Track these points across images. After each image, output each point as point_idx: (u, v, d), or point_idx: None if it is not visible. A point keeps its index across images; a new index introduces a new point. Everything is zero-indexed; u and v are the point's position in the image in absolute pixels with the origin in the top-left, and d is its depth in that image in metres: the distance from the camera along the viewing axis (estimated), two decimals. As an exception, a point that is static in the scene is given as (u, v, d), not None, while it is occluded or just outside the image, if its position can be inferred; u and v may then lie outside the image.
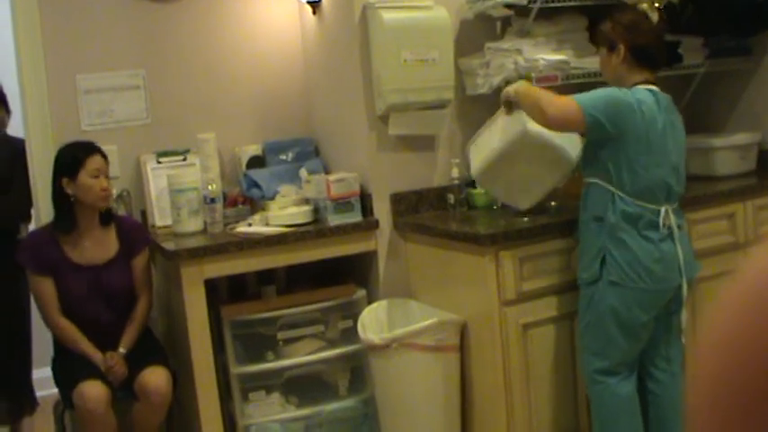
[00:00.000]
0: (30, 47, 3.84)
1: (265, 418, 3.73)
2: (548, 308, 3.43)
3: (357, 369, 3.90)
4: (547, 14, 3.79)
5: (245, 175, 4.07)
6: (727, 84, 4.42)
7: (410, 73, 3.66)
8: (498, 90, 3.75)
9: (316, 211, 3.82)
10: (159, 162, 3.98)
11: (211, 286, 3.64)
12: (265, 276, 3.83)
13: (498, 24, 3.96)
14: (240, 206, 4.01)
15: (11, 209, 4.54)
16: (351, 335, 3.78)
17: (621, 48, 3.16)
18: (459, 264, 3.49)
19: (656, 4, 3.28)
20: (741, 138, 4.23)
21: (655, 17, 3.20)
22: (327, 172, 4.04)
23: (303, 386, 3.83)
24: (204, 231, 3.81)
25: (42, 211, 3.86)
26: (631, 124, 3.05)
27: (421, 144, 3.90)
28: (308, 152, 4.24)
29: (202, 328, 3.53)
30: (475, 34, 3.91)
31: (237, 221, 3.87)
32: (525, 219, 3.49)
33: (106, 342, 3.53)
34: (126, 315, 3.62)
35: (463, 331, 3.51)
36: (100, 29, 3.96)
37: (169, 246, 3.60)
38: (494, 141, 3.44)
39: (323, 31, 4.13)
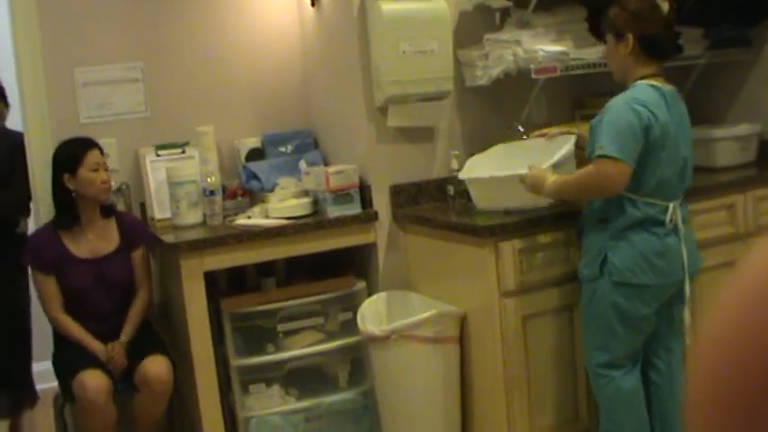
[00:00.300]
0: (28, 40, 3.83)
1: (265, 411, 3.73)
2: (547, 299, 3.42)
3: (357, 361, 3.90)
4: (546, 5, 3.78)
5: (245, 167, 4.07)
6: (728, 75, 4.41)
7: (409, 64, 3.65)
8: (497, 81, 3.75)
9: (315, 203, 3.82)
10: (158, 155, 3.97)
11: (211, 279, 3.64)
12: (265, 268, 3.83)
13: (497, 15, 3.95)
14: (239, 198, 4.01)
15: (10, 202, 4.55)
16: (350, 327, 3.78)
17: (630, 37, 3.06)
18: (459, 255, 3.49)
19: None
20: (741, 129, 4.22)
21: (665, 6, 3.09)
22: (327, 164, 4.04)
23: (303, 378, 3.83)
24: (203, 224, 3.81)
25: (41, 205, 3.86)
26: (650, 136, 2.97)
27: (420, 136, 3.90)
28: (308, 144, 4.24)
29: (202, 320, 3.53)
30: (474, 25, 3.90)
31: (237, 214, 3.87)
32: (525, 210, 3.48)
33: (107, 332, 3.56)
34: (126, 306, 3.66)
35: (463, 323, 3.51)
36: (98, 22, 3.95)
37: (168, 238, 3.61)
38: (516, 200, 3.41)
39: (321, 23, 4.12)
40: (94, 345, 3.52)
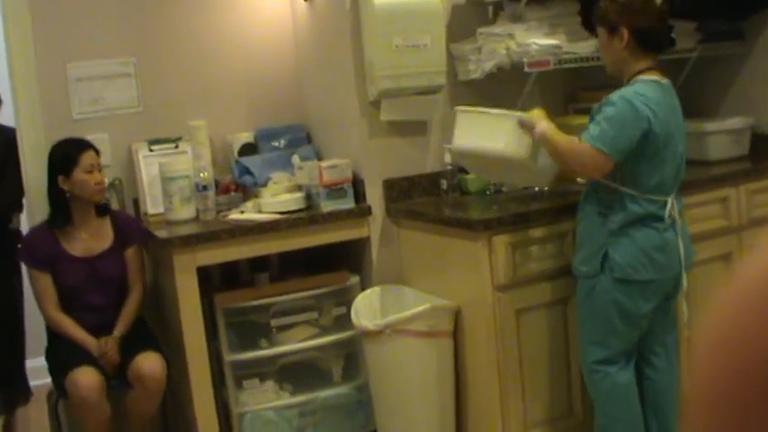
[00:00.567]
0: (19, 35, 3.81)
1: (259, 406, 3.73)
2: (541, 293, 3.43)
3: (351, 356, 3.90)
4: (539, -1, 3.78)
5: (237, 162, 4.06)
6: (720, 68, 4.41)
7: (402, 58, 3.64)
8: (490, 75, 3.75)
9: (308, 197, 3.81)
10: (151, 150, 3.96)
11: (204, 274, 3.63)
12: (258, 263, 3.83)
13: (490, 9, 3.95)
14: (232, 193, 4.00)
15: (2, 199, 4.54)
16: (344, 321, 3.77)
17: (625, 32, 3.01)
18: (453, 249, 3.49)
19: None
20: (734, 122, 4.23)
21: None
22: (320, 158, 4.03)
23: (297, 373, 3.83)
24: (196, 219, 3.80)
25: (34, 201, 3.85)
26: (646, 129, 2.95)
27: (413, 130, 3.89)
28: (301, 139, 4.23)
29: (195, 315, 3.52)
30: (467, 19, 3.90)
31: (230, 209, 3.87)
32: (518, 204, 3.49)
33: (101, 325, 3.57)
34: (120, 301, 3.66)
35: (457, 317, 3.51)
36: (90, 17, 3.94)
37: (161, 234, 3.60)
38: (496, 139, 3.33)
39: (314, 17, 4.11)
40: (88, 340, 3.52)
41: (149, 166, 3.92)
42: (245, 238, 3.58)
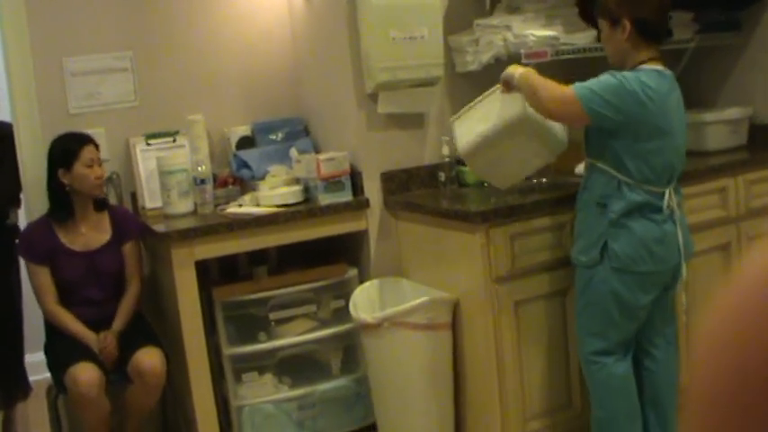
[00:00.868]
0: (15, 30, 3.80)
1: (258, 399, 3.73)
2: (539, 285, 3.42)
3: (349, 348, 3.90)
4: (536, -10, 3.77)
5: (235, 155, 4.06)
6: (718, 58, 4.40)
7: (399, 51, 3.64)
8: (488, 67, 3.75)
9: (306, 190, 3.81)
10: (148, 144, 3.96)
11: (202, 268, 3.63)
12: (256, 257, 3.83)
13: (487, 1, 3.93)
14: (230, 187, 4.00)
15: (0, 193, 4.53)
16: (343, 314, 3.78)
17: (626, 23, 3.01)
18: (451, 242, 3.48)
19: None
20: (732, 112, 4.22)
21: None
22: (317, 151, 4.03)
23: (296, 366, 3.83)
24: (194, 213, 3.80)
25: (31, 196, 3.85)
26: (638, 113, 2.95)
27: (411, 122, 3.89)
28: (298, 132, 4.23)
29: (194, 309, 3.52)
30: (464, 11, 3.89)
31: (228, 202, 3.86)
32: (516, 196, 3.48)
33: (100, 318, 3.57)
34: (118, 295, 3.67)
35: (455, 309, 3.50)
36: (86, 11, 3.93)
37: (159, 227, 3.60)
38: (490, 118, 3.37)
39: (311, 10, 4.10)
40: (87, 335, 3.52)
41: (147, 160, 3.92)
42: (243, 231, 3.57)
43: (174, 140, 4.00)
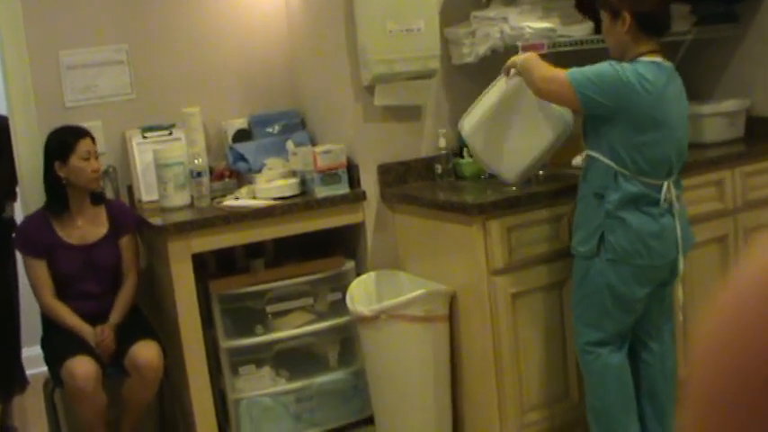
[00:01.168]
0: (11, 23, 3.79)
1: (256, 392, 3.73)
2: (536, 277, 3.42)
3: (347, 341, 3.90)
4: (532, -18, 3.76)
5: (232, 148, 4.05)
6: (715, 51, 4.40)
7: (396, 43, 3.63)
8: (484, 59, 3.74)
9: (303, 183, 3.80)
10: (145, 137, 3.95)
11: (199, 261, 3.63)
12: (253, 250, 3.82)
13: (484, -7, 3.93)
14: (227, 180, 3.99)
15: (-4, 187, 4.52)
16: (340, 307, 3.77)
17: (627, 16, 3.02)
18: (448, 234, 3.48)
19: None
20: (729, 104, 4.22)
21: None
22: (314, 144, 4.02)
23: (293, 359, 3.83)
24: (191, 206, 3.80)
25: (27, 189, 3.84)
26: (632, 102, 2.95)
27: (407, 114, 3.89)
28: (295, 124, 4.22)
29: (191, 302, 3.52)
30: (461, 3, 3.88)
31: (224, 195, 3.86)
32: (513, 188, 3.48)
33: (97, 311, 3.57)
34: (115, 288, 3.66)
35: (452, 301, 3.50)
36: (82, 4, 3.91)
37: (156, 221, 3.60)
38: (491, 98, 3.41)
39: (307, 2, 4.09)
40: (84, 329, 3.51)
41: (143, 153, 3.91)
42: (240, 224, 3.57)
43: (171, 133, 3.99)
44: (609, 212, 3.04)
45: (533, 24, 3.67)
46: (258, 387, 3.74)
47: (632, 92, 2.95)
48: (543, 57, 3.70)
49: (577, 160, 3.66)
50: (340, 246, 3.96)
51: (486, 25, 3.71)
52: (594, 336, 3.18)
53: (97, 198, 3.67)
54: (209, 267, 3.85)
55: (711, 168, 3.83)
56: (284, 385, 3.78)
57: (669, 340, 3.33)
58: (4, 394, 4.65)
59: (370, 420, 3.81)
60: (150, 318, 3.77)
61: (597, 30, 3.58)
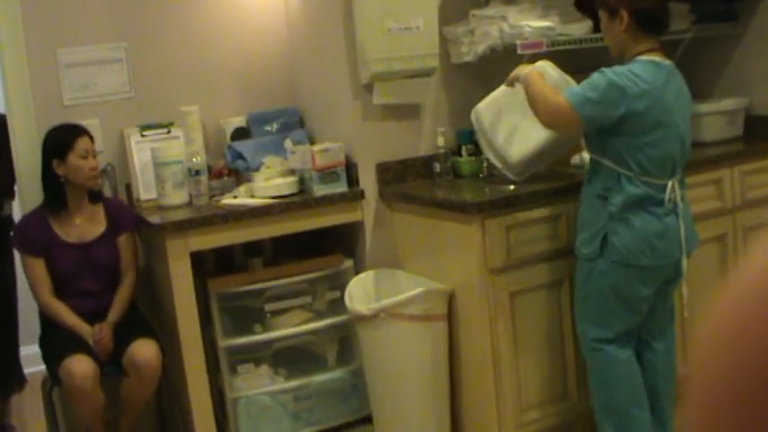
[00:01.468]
0: (9, 21, 3.78)
1: (254, 391, 3.73)
2: (535, 276, 3.42)
3: (345, 340, 3.89)
4: (531, -20, 3.76)
5: (230, 146, 4.05)
6: (714, 49, 4.40)
7: (394, 41, 3.63)
8: (483, 58, 3.74)
9: (301, 181, 3.80)
10: (143, 135, 3.94)
11: (198, 259, 3.62)
12: (252, 248, 3.82)
13: (483, -9, 3.93)
14: (225, 178, 3.98)
15: (-6, 185, 4.52)
16: (338, 306, 3.77)
17: (624, 14, 3.01)
18: (446, 232, 3.48)
19: None
20: (728, 103, 4.22)
21: None
22: (312, 142, 4.01)
23: (291, 358, 3.83)
24: (189, 204, 3.79)
25: (25, 187, 3.83)
26: (634, 107, 2.94)
27: (406, 113, 3.88)
28: (293, 123, 4.21)
29: (189, 301, 3.51)
30: (460, 1, 3.88)
31: (223, 193, 3.86)
32: (512, 187, 3.47)
33: (95, 310, 3.56)
34: (113, 287, 3.65)
35: (451, 300, 3.50)
36: (80, 2, 3.90)
37: (154, 219, 3.59)
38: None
39: (306, 1, 4.08)
40: (82, 327, 3.51)
41: (141, 151, 3.91)
42: (239, 222, 3.57)
43: (169, 132, 3.98)
44: (612, 214, 3.03)
45: (532, 23, 3.67)
46: (256, 386, 3.73)
47: (632, 95, 2.93)
48: (541, 56, 3.71)
49: (576, 159, 3.66)
50: (338, 244, 3.96)
51: (485, 24, 3.70)
52: (601, 333, 3.17)
53: (95, 196, 3.67)
54: (208, 266, 3.84)
55: (710, 167, 3.83)
56: (282, 384, 3.78)
57: (671, 340, 3.32)
58: (2, 393, 4.65)
59: (368, 419, 3.81)
60: (149, 316, 3.76)
61: (596, 28, 3.58)
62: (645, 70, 2.98)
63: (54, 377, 3.50)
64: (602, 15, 3.13)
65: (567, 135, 3.24)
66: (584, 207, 3.19)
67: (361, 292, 3.68)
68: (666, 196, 3.03)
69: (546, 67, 3.34)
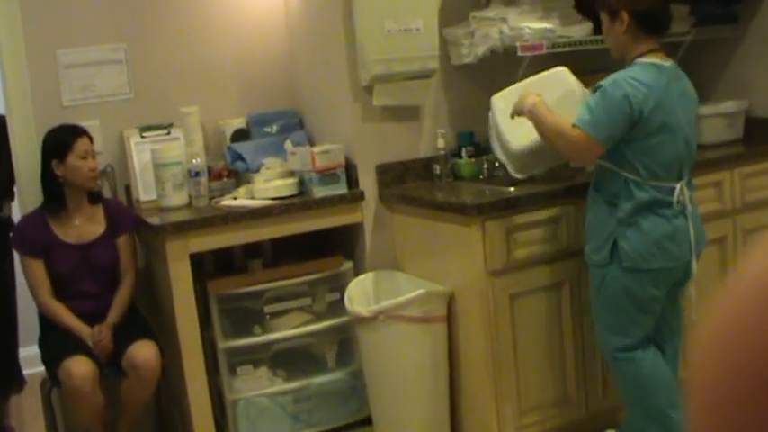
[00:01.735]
0: (9, 22, 3.78)
1: (253, 393, 3.72)
2: (535, 278, 3.42)
3: (345, 342, 3.89)
4: (532, -18, 3.76)
5: (230, 148, 4.04)
6: (714, 52, 4.40)
7: (394, 43, 3.63)
8: (483, 59, 3.74)
9: (301, 183, 3.80)
10: (143, 137, 3.94)
11: (197, 260, 3.62)
12: (252, 250, 3.82)
13: (483, -7, 3.93)
14: (225, 179, 3.98)
15: (-6, 186, 4.52)
16: (338, 307, 3.77)
17: (625, 15, 3.00)
18: (446, 234, 3.48)
19: None
20: (728, 106, 4.22)
21: None
22: (312, 144, 4.01)
23: (291, 359, 3.82)
24: (189, 205, 3.79)
25: (25, 188, 3.83)
26: (641, 115, 2.93)
27: (406, 115, 3.88)
28: (293, 124, 4.21)
29: (188, 302, 3.51)
30: (459, 3, 3.88)
31: (222, 195, 3.85)
32: (512, 189, 3.47)
33: (94, 311, 3.56)
34: (113, 288, 3.65)
35: (450, 302, 3.50)
36: (80, 2, 3.90)
37: (154, 220, 3.59)
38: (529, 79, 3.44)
39: (306, 2, 4.08)
40: (82, 329, 3.51)
41: (141, 152, 3.91)
42: (238, 224, 3.56)
43: (169, 133, 3.98)
44: (621, 220, 3.02)
45: (532, 25, 3.67)
46: (256, 387, 3.73)
47: (630, 104, 2.92)
48: (541, 58, 3.72)
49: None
50: (338, 246, 3.95)
51: (486, 26, 3.70)
52: (622, 342, 3.15)
53: (94, 197, 3.67)
54: (207, 267, 3.84)
55: (710, 169, 3.82)
56: (282, 385, 3.77)
57: (677, 340, 3.32)
58: (1, 394, 4.65)
59: (367, 421, 3.81)
60: (148, 317, 3.76)
61: (596, 30, 3.57)
62: (645, 73, 2.98)
63: (53, 378, 3.50)
64: (603, 17, 3.12)
65: (592, 163, 3.18)
66: (591, 213, 3.18)
67: (360, 294, 3.68)
68: (675, 198, 3.03)
69: (565, 75, 3.33)
